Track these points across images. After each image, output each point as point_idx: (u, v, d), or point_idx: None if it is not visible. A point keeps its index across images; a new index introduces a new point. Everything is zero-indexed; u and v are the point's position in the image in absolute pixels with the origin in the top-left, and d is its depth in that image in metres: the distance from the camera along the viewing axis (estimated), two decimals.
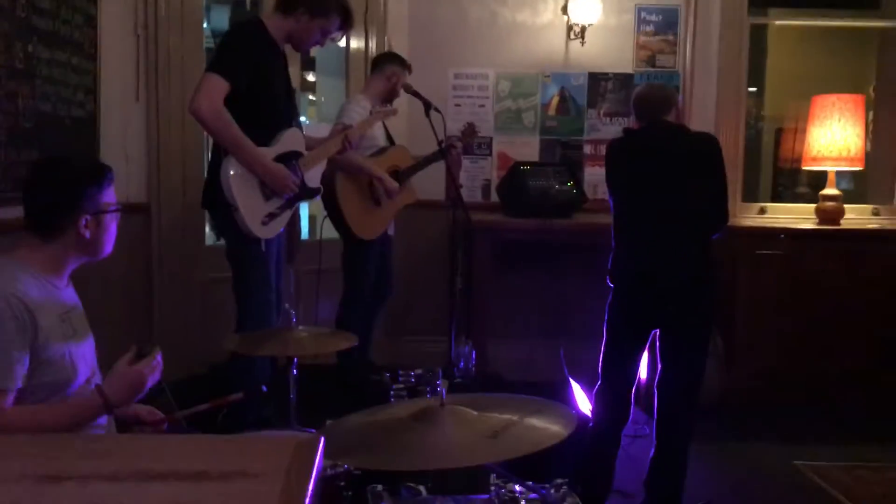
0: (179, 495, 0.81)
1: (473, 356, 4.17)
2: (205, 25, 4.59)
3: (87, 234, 1.92)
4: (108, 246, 2.02)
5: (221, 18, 5.48)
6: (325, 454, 1.63)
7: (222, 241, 4.67)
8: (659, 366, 3.05)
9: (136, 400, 1.92)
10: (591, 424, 3.10)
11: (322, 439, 0.93)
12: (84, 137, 3.47)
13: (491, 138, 4.98)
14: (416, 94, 3.96)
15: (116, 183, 2.06)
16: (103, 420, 1.95)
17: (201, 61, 4.25)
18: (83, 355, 1.96)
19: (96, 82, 3.58)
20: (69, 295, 2.01)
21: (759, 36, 5.17)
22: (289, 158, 3.16)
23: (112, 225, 2.00)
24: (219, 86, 2.95)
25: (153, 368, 1.90)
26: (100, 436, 1.76)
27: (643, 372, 3.46)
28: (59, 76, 3.21)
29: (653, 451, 3.07)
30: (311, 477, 0.83)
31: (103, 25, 3.62)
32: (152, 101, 4.05)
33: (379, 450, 1.65)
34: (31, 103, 2.97)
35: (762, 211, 4.98)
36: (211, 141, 3.49)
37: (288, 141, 3.18)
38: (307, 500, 0.78)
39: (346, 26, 3.30)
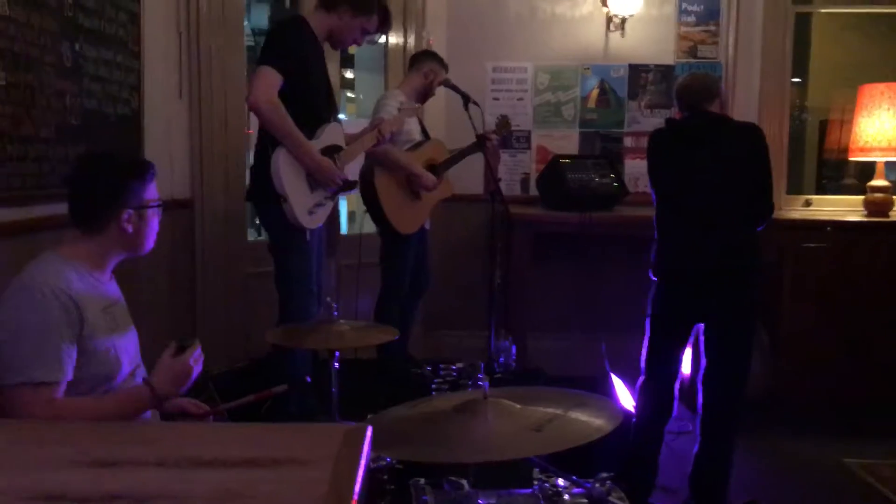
0: (229, 481, 0.82)
1: (513, 351, 4.16)
2: (245, 23, 4.63)
3: (129, 228, 1.95)
4: (150, 241, 2.04)
5: (261, 16, 5.53)
6: (371, 447, 1.63)
7: (264, 237, 4.73)
8: (703, 360, 3.00)
9: (182, 392, 1.94)
10: (634, 420, 3.07)
11: (369, 428, 0.93)
12: (129, 134, 3.52)
13: (529, 132, 4.95)
14: (454, 88, 3.96)
15: (160, 179, 2.08)
16: (147, 413, 1.97)
17: (242, 59, 4.30)
18: (126, 348, 1.98)
19: (140, 80, 3.62)
20: (112, 289, 2.04)
21: (803, 24, 5.06)
22: (330, 152, 3.24)
23: (154, 220, 2.02)
24: (274, 78, 3.04)
25: (197, 359, 1.92)
26: (149, 423, 1.78)
27: (686, 367, 3.41)
28: (105, 74, 3.25)
29: (697, 446, 3.03)
30: (360, 464, 0.82)
31: (146, 23, 3.66)
32: (195, 98, 4.09)
33: (422, 442, 1.65)
34: (78, 101, 3.01)
35: (807, 203, 4.89)
36: (254, 137, 3.53)
37: (329, 135, 3.25)
38: (357, 487, 0.78)
39: (384, 26, 3.36)
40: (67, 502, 0.75)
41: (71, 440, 0.98)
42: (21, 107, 2.62)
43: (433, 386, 2.42)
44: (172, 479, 0.83)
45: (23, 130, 2.64)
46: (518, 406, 1.68)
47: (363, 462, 0.84)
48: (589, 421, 1.63)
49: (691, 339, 3.04)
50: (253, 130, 4.24)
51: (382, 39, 4.98)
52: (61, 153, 2.85)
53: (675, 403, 3.05)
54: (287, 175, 3.07)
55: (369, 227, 4.07)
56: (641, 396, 3.07)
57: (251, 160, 3.41)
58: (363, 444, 0.87)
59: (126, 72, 3.47)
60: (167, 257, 3.89)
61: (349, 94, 6.22)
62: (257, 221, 5.11)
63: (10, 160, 2.57)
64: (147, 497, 0.77)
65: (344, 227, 4.87)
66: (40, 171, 2.76)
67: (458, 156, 4.16)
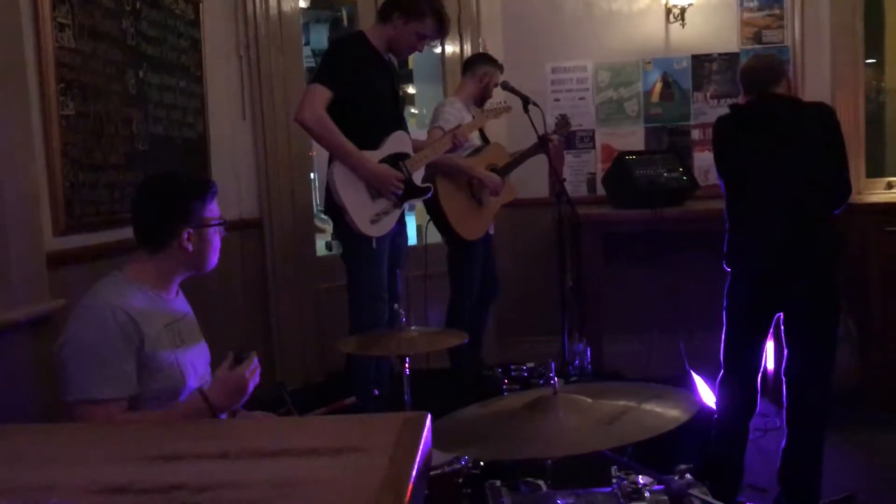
0: (290, 469, 0.82)
1: (588, 354, 4.09)
2: (305, 44, 4.71)
3: (190, 247, 1.97)
4: (213, 259, 2.05)
5: (320, 37, 5.63)
6: (442, 447, 1.62)
7: (334, 251, 4.80)
8: (785, 352, 2.89)
9: (240, 406, 1.95)
10: (716, 417, 2.97)
11: (429, 416, 0.92)
12: (195, 157, 3.61)
13: (593, 130, 4.89)
14: (513, 91, 3.93)
15: (228, 200, 2.11)
16: None
17: (302, 78, 4.37)
18: (192, 362, 2.01)
19: (204, 104, 3.71)
20: (178, 305, 2.07)
21: (874, 2, 4.86)
22: (396, 160, 3.28)
23: (215, 239, 2.04)
24: (321, 95, 3.10)
25: (253, 372, 1.93)
26: (210, 420, 1.79)
27: (770, 361, 3.29)
28: (170, 100, 3.35)
29: (784, 442, 2.91)
30: (418, 450, 0.81)
31: (208, 49, 3.76)
32: (258, 119, 4.18)
33: (494, 440, 1.62)
34: (145, 127, 3.11)
35: (890, 186, 4.68)
36: (320, 154, 3.60)
37: (394, 143, 3.30)
38: (414, 471, 0.76)
39: (441, 29, 3.36)
40: (130, 494, 0.76)
41: (132, 438, 1.00)
42: (91, 135, 2.72)
43: (504, 386, 2.39)
44: (235, 470, 0.84)
45: (93, 158, 2.74)
46: (589, 400, 1.64)
47: (422, 447, 0.82)
48: (663, 412, 1.57)
49: (772, 330, 2.93)
50: (316, 151, 4.32)
51: (438, 49, 5.00)
52: (131, 179, 2.94)
53: (759, 398, 2.94)
54: (343, 186, 3.14)
55: (435, 237, 4.07)
56: (722, 392, 2.97)
57: (318, 178, 3.49)
58: (423, 430, 0.86)
59: (190, 97, 3.56)
60: (239, 276, 3.96)
61: (413, 111, 6.26)
62: (329, 238, 5.20)
63: (82, 187, 2.66)
64: (209, 486, 0.77)
65: (412, 239, 4.89)
66: (112, 197, 2.85)
67: (520, 158, 4.13)
